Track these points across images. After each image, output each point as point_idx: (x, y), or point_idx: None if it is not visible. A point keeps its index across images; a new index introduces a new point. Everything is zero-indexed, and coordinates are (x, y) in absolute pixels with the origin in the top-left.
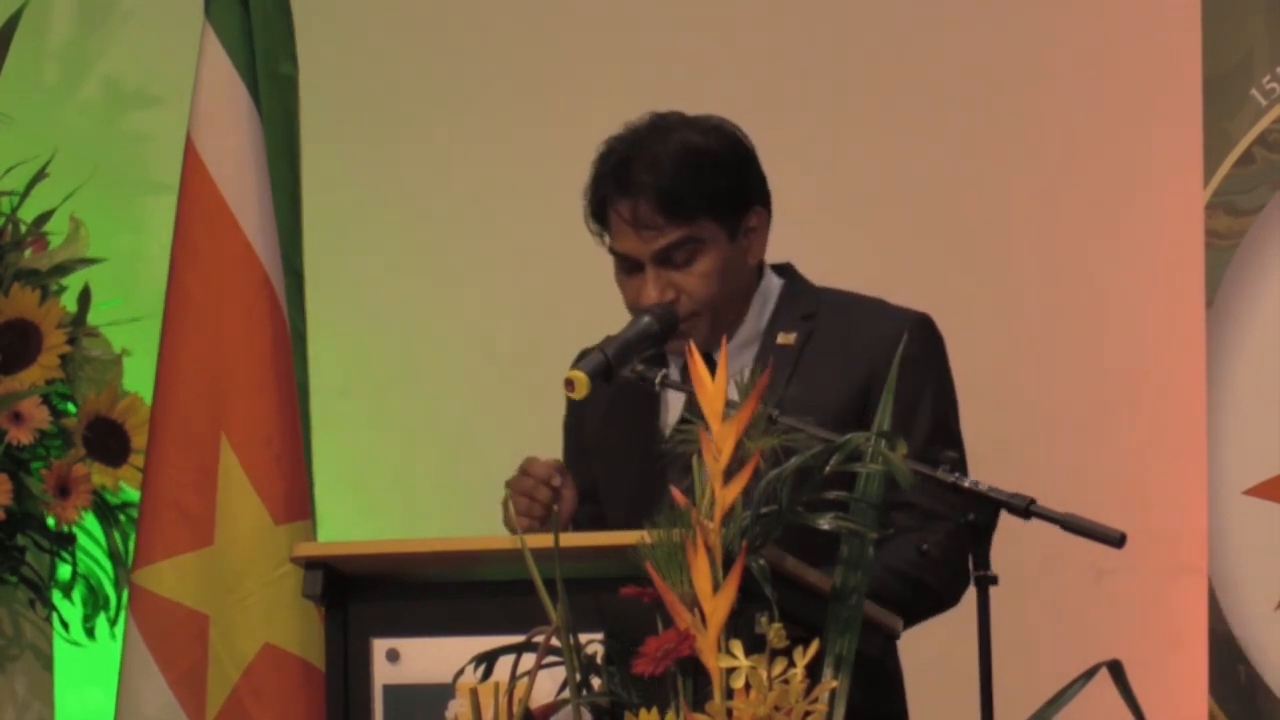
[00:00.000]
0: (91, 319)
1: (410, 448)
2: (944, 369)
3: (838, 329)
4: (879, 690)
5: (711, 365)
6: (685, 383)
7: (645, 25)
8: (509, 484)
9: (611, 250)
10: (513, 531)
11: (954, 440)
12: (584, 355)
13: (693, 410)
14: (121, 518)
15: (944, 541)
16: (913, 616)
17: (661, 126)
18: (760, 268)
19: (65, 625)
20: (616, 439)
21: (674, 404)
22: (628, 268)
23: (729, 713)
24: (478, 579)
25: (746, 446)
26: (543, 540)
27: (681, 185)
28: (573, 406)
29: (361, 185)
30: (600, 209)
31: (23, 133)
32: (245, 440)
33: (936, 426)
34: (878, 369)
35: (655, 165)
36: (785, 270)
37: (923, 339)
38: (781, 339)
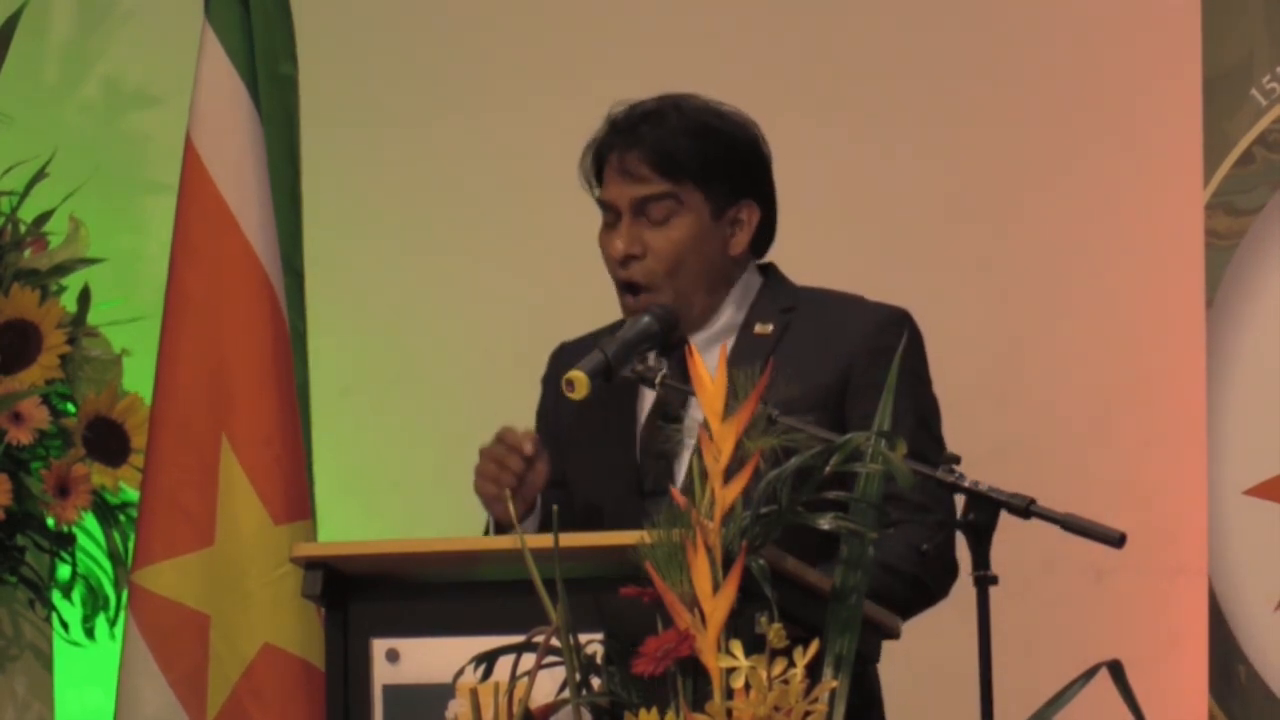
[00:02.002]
0: (91, 319)
1: (410, 448)
2: (924, 365)
3: (816, 322)
4: (856, 691)
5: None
6: (684, 382)
7: (645, 25)
8: (482, 450)
9: (599, 203)
10: (483, 499)
11: (935, 431)
12: (562, 350)
13: (667, 407)
14: (121, 518)
15: (935, 536)
16: (907, 613)
17: (678, 97)
18: (743, 265)
19: (65, 625)
20: (592, 432)
21: (650, 399)
22: (609, 222)
23: (729, 713)
24: (478, 579)
25: (746, 446)
26: (543, 540)
27: (678, 145)
28: (548, 395)
29: (361, 185)
30: (599, 163)
31: (23, 133)
32: (245, 440)
33: (919, 423)
34: (856, 361)
35: (660, 124)
36: (766, 269)
37: (901, 334)
38: (759, 329)
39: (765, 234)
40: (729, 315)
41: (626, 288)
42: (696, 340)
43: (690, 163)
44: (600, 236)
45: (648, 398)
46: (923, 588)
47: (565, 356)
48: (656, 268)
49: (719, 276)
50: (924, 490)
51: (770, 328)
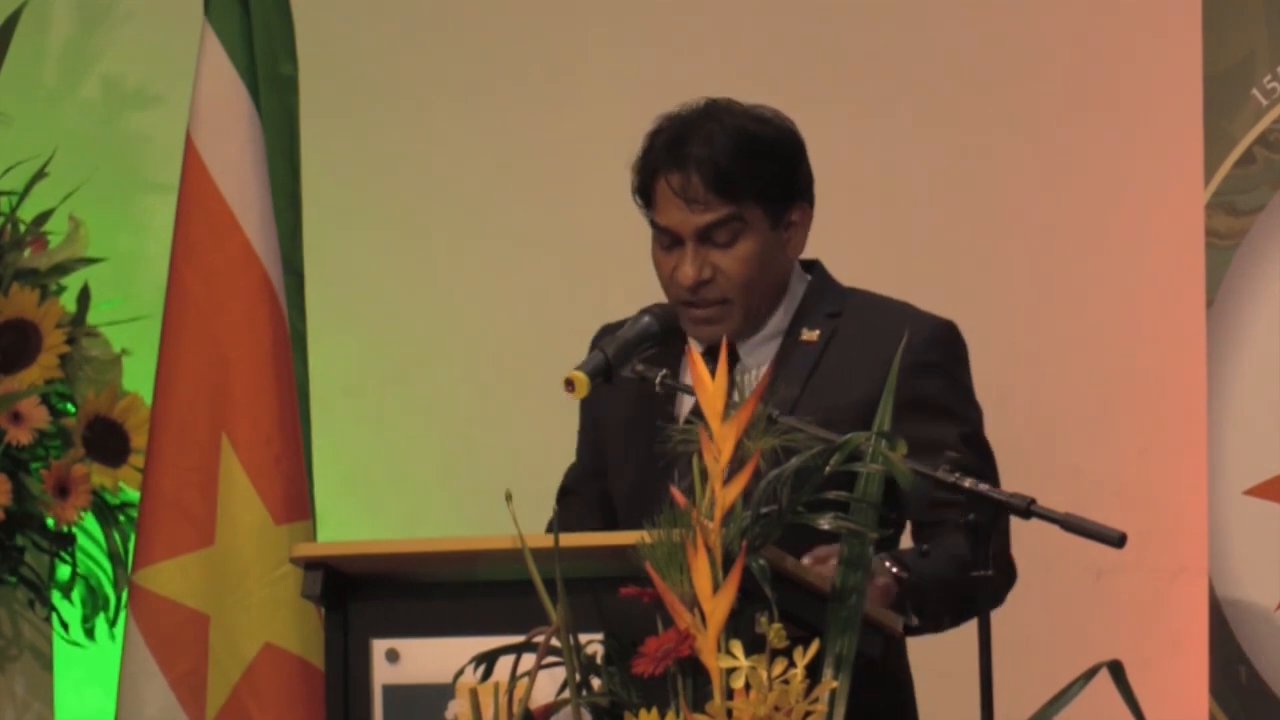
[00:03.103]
0: (91, 319)
1: (410, 448)
2: (968, 376)
3: (862, 329)
4: (887, 691)
5: (732, 358)
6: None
7: (645, 24)
8: None
9: (654, 224)
10: None
11: (983, 447)
12: (604, 331)
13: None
14: (121, 518)
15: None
16: (967, 614)
17: (717, 108)
18: (793, 265)
19: (65, 625)
20: (632, 428)
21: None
22: (667, 243)
23: (729, 713)
24: (478, 579)
25: (746, 446)
26: (543, 540)
27: (734, 164)
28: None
29: (361, 185)
30: (649, 182)
31: (23, 133)
32: (246, 440)
33: (966, 431)
34: (899, 374)
35: (710, 141)
36: (813, 267)
37: (947, 346)
38: (805, 335)
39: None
40: (777, 319)
41: (693, 305)
42: (745, 345)
43: (748, 182)
44: (656, 257)
45: (687, 401)
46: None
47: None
48: (728, 289)
49: (781, 283)
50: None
51: (816, 334)
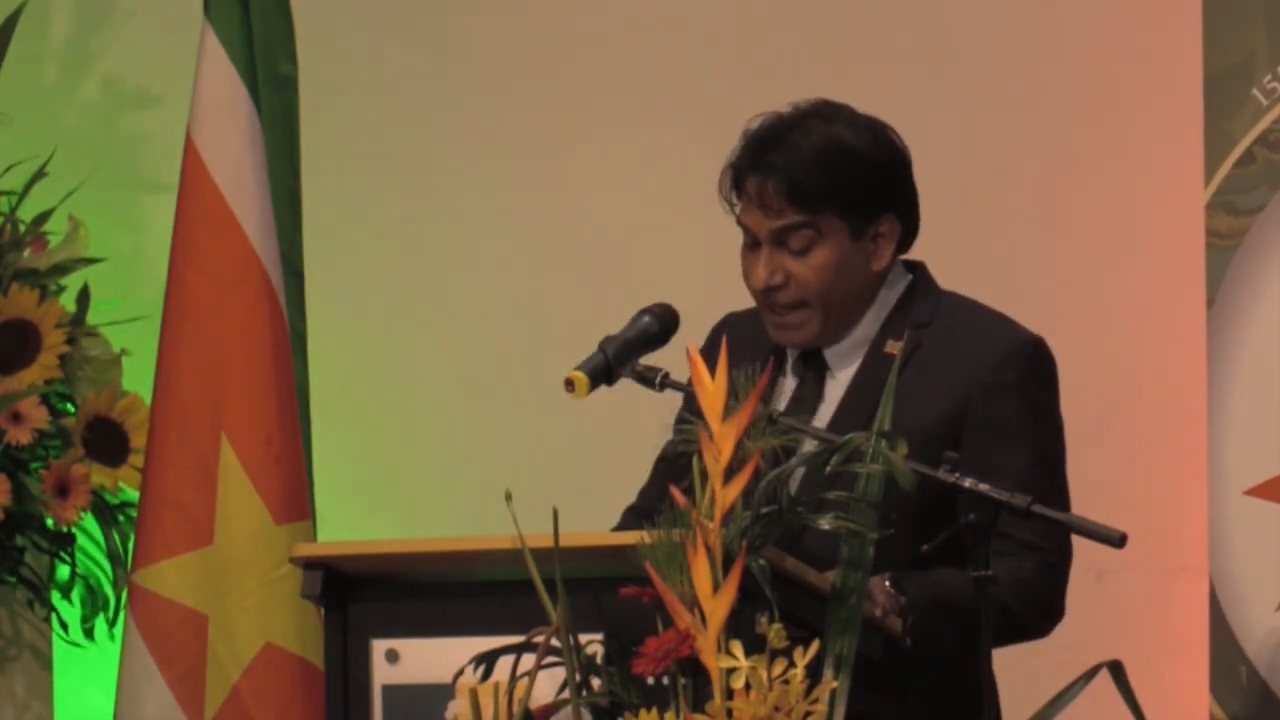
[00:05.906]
0: (91, 319)
1: (410, 448)
2: (1048, 396)
3: (945, 345)
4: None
5: (822, 364)
6: (688, 383)
7: (646, 25)
8: None
9: (738, 222)
10: None
11: (1055, 471)
12: (726, 321)
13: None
14: (121, 518)
15: (1036, 570)
16: (995, 640)
17: (816, 114)
18: (885, 275)
19: (64, 626)
20: None
21: (789, 387)
22: (750, 244)
23: (729, 713)
24: (478, 579)
25: (746, 447)
26: (543, 540)
27: (812, 175)
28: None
29: (361, 185)
30: (737, 180)
31: (23, 133)
32: (245, 440)
33: (1037, 456)
34: (973, 395)
35: (793, 151)
36: (914, 269)
37: (1025, 365)
38: (889, 347)
39: (907, 234)
40: (865, 328)
41: (770, 309)
42: (830, 353)
43: (824, 192)
44: (741, 256)
45: (786, 386)
46: (1011, 616)
47: (729, 328)
48: (799, 296)
49: (863, 293)
50: (1036, 530)
51: (900, 347)
